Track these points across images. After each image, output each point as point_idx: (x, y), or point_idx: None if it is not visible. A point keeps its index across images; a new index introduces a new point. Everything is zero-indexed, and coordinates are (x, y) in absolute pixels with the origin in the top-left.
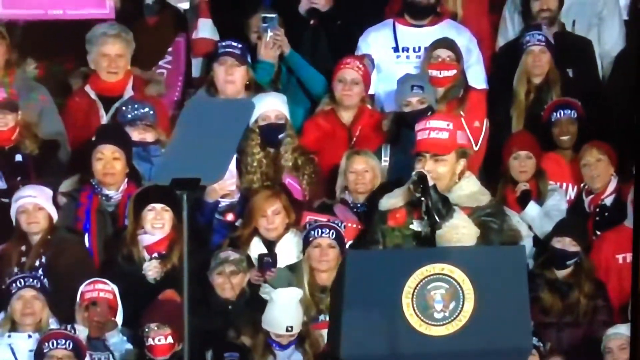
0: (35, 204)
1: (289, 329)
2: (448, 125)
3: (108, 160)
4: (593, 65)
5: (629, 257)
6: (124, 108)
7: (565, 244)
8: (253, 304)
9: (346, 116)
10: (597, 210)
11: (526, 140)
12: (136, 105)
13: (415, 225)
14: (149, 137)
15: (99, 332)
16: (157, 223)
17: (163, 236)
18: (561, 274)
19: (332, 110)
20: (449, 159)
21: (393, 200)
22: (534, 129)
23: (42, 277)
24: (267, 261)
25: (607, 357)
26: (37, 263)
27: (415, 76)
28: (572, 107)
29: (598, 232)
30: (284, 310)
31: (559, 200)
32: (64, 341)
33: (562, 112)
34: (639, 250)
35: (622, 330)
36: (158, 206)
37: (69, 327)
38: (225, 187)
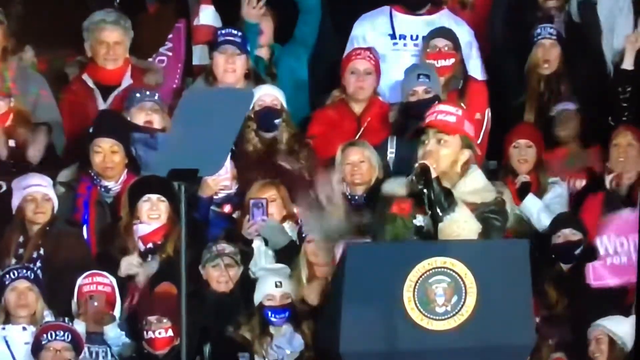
0: (44, 193)
1: (278, 284)
2: (457, 111)
3: (106, 154)
4: (601, 56)
5: None
6: (136, 94)
7: (567, 235)
8: (246, 291)
9: (357, 107)
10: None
11: (527, 130)
12: (146, 92)
13: (419, 221)
14: (156, 119)
15: (96, 326)
16: (153, 214)
17: (159, 226)
18: (567, 266)
19: (342, 100)
20: (452, 142)
21: (397, 186)
22: (542, 121)
23: (36, 269)
24: (258, 207)
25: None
26: (34, 255)
27: (422, 65)
28: (572, 103)
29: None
30: (271, 272)
31: (560, 194)
32: (62, 333)
33: (561, 107)
34: None
35: (599, 321)
36: (154, 197)
37: (66, 319)
38: (219, 182)
